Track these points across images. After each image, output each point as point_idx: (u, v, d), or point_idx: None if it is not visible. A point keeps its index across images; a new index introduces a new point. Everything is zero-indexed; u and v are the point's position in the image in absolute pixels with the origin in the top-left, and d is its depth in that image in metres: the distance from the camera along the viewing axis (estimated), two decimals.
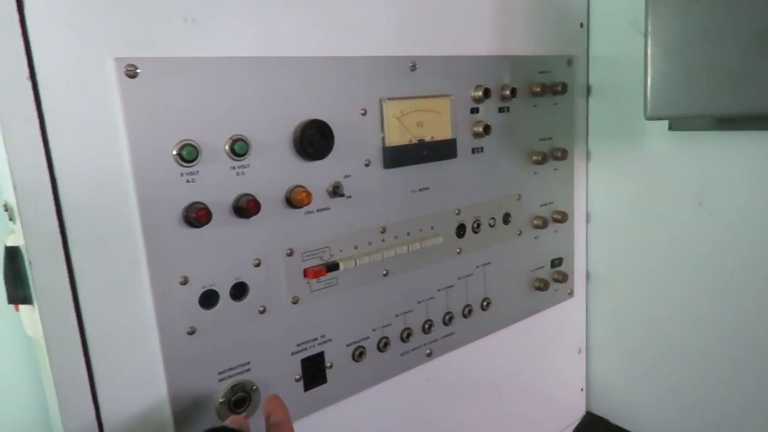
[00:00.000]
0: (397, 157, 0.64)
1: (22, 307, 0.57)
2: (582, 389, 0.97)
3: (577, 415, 0.98)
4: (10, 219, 0.51)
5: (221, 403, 0.55)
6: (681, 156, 0.77)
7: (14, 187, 0.43)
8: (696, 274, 0.79)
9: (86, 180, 0.46)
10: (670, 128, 0.77)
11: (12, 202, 0.46)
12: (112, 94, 0.46)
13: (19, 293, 0.53)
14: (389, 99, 0.63)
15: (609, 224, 0.90)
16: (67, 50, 0.44)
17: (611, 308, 0.92)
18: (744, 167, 0.71)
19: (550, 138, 0.81)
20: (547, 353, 0.90)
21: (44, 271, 0.45)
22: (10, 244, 0.53)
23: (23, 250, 0.47)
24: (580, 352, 0.95)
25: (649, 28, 0.57)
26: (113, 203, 0.47)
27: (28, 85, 0.43)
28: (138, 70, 0.47)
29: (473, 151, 0.72)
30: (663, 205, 0.81)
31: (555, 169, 0.83)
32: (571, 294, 0.90)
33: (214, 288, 0.53)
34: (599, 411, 0.98)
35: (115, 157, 0.47)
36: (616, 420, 0.96)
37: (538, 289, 0.84)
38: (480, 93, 0.70)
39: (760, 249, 0.72)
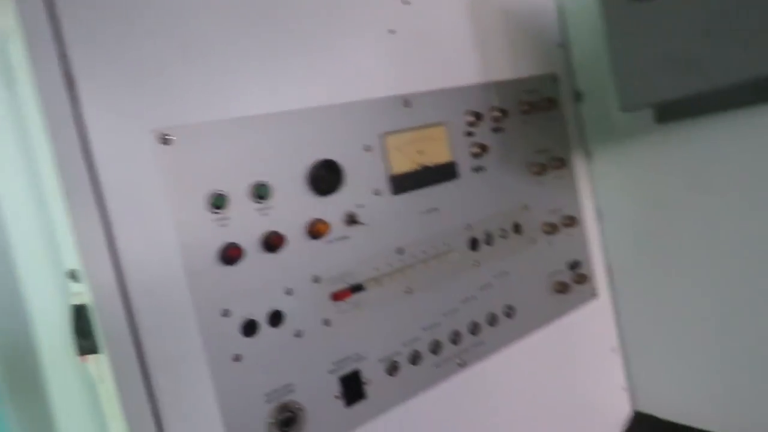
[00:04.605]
0: (403, 183, 0.71)
1: (89, 357, 0.65)
2: (624, 388, 0.99)
3: (623, 414, 0.98)
4: (74, 280, 0.59)
5: (271, 423, 0.61)
6: (672, 146, 0.81)
7: (78, 249, 0.52)
8: (719, 253, 0.81)
9: (138, 236, 0.54)
10: (657, 121, 0.81)
11: (77, 265, 0.54)
12: (151, 160, 0.55)
13: (86, 345, 0.61)
14: (389, 133, 0.70)
15: (623, 221, 0.93)
16: (116, 128, 0.53)
17: (641, 303, 0.94)
18: (737, 148, 0.75)
19: (547, 150, 0.87)
20: (580, 355, 0.92)
21: (111, 323, 0.53)
22: (76, 302, 0.62)
23: (89, 307, 0.55)
24: (613, 350, 0.97)
25: (607, 30, 0.64)
26: (160, 251, 0.55)
27: (84, 164, 0.52)
28: (172, 138, 0.56)
29: (474, 170, 0.79)
30: (668, 195, 0.84)
31: (556, 177, 0.88)
32: (594, 294, 0.93)
33: (253, 317, 0.60)
34: (647, 408, 0.99)
35: (160, 212, 0.55)
36: (666, 415, 0.96)
37: (560, 292, 0.87)
38: (472, 118, 0.77)
39: None
